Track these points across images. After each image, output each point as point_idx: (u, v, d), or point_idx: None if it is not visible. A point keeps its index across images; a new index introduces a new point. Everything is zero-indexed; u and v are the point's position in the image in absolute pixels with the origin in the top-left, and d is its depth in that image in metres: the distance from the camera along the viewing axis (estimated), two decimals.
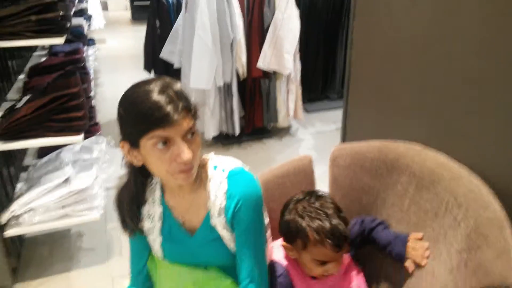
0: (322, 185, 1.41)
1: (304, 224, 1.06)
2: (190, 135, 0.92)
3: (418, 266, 1.10)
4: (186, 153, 0.90)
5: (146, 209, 1.09)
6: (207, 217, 1.04)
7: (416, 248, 1.11)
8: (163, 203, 1.08)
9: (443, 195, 1.08)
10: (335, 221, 1.05)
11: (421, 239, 1.13)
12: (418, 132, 1.35)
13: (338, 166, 1.35)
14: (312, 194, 1.14)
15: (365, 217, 1.25)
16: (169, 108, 0.87)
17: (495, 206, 0.97)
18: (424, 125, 1.34)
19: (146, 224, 1.09)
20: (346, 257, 1.19)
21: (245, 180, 1.02)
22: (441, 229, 1.05)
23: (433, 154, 1.19)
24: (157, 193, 1.08)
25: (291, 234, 1.09)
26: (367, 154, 1.30)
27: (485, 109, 1.12)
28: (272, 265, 1.15)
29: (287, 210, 1.13)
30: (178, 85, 0.93)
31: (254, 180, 1.04)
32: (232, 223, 1.03)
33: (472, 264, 0.88)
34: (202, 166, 1.05)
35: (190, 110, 0.91)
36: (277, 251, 1.19)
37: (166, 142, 0.90)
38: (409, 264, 1.12)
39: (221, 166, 1.05)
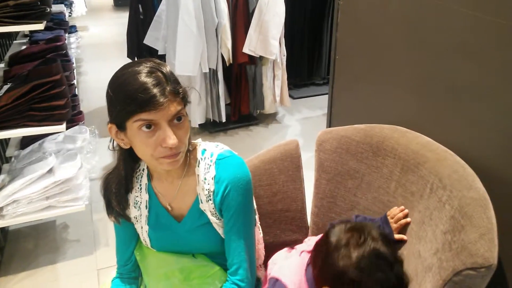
0: (309, 170, 1.41)
1: (365, 279, 0.92)
2: (178, 119, 0.90)
3: (406, 232, 1.11)
4: (171, 138, 0.88)
5: (133, 196, 1.08)
6: (196, 202, 1.03)
7: (396, 215, 1.13)
8: (150, 190, 1.07)
9: (428, 176, 1.09)
10: (397, 268, 0.96)
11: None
12: (404, 115, 1.36)
13: (324, 150, 1.34)
14: (360, 231, 0.98)
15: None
16: (155, 90, 0.85)
17: (479, 186, 0.98)
18: (410, 108, 1.34)
19: (133, 212, 1.08)
20: None
21: (234, 165, 1.01)
22: (426, 210, 1.06)
23: (418, 136, 1.20)
24: (144, 179, 1.07)
25: (342, 283, 0.95)
26: (352, 137, 1.30)
27: (469, 93, 1.12)
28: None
29: (338, 254, 0.96)
30: (167, 67, 0.91)
31: (243, 164, 1.03)
32: (220, 209, 1.02)
33: (456, 245, 0.89)
34: (191, 151, 1.04)
35: (178, 94, 0.89)
36: (285, 270, 1.10)
37: (152, 125, 0.88)
38: (398, 236, 1.12)
39: (209, 150, 1.04)
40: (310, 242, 1.19)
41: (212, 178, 1.01)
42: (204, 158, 1.03)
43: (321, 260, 1.01)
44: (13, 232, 2.22)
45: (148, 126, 0.88)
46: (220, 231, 1.05)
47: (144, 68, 0.88)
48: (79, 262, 2.03)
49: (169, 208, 1.07)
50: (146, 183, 1.07)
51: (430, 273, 0.93)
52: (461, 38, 1.12)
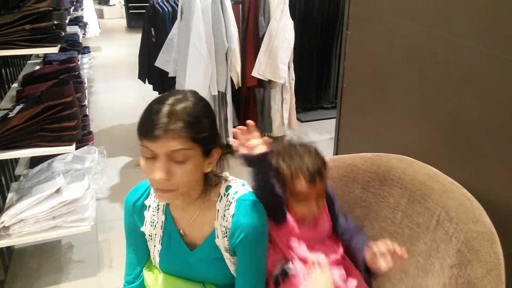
0: None
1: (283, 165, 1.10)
2: (179, 159, 0.89)
3: (412, 265, 1.09)
4: (156, 173, 0.88)
5: (149, 214, 1.09)
6: (212, 236, 1.04)
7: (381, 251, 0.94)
8: (167, 212, 1.08)
9: (435, 208, 1.08)
10: (307, 160, 1.08)
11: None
12: (410, 145, 1.36)
13: (331, 178, 1.34)
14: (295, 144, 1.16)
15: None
16: (157, 121, 0.86)
17: (485, 219, 0.97)
18: (416, 138, 1.34)
19: (149, 230, 1.09)
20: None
21: (254, 211, 1.01)
22: (433, 243, 1.05)
23: (424, 167, 1.19)
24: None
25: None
26: (359, 166, 1.30)
27: (476, 126, 1.12)
28: None
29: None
30: (189, 104, 0.90)
31: (262, 211, 1.03)
32: (234, 248, 1.03)
33: (462, 280, 0.88)
34: (215, 185, 1.05)
35: (183, 133, 0.88)
36: None
37: (152, 154, 0.89)
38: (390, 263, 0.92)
39: (234, 188, 1.04)
40: None
41: (231, 216, 1.01)
42: (227, 195, 1.03)
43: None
44: (18, 251, 2.22)
45: (149, 154, 0.89)
46: (231, 268, 1.05)
47: (170, 98, 0.90)
48: (82, 283, 2.02)
49: (182, 234, 1.07)
50: (164, 205, 1.07)
51: None
52: (468, 72, 1.12)
